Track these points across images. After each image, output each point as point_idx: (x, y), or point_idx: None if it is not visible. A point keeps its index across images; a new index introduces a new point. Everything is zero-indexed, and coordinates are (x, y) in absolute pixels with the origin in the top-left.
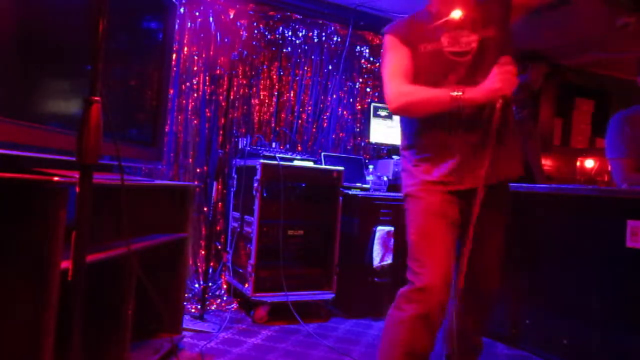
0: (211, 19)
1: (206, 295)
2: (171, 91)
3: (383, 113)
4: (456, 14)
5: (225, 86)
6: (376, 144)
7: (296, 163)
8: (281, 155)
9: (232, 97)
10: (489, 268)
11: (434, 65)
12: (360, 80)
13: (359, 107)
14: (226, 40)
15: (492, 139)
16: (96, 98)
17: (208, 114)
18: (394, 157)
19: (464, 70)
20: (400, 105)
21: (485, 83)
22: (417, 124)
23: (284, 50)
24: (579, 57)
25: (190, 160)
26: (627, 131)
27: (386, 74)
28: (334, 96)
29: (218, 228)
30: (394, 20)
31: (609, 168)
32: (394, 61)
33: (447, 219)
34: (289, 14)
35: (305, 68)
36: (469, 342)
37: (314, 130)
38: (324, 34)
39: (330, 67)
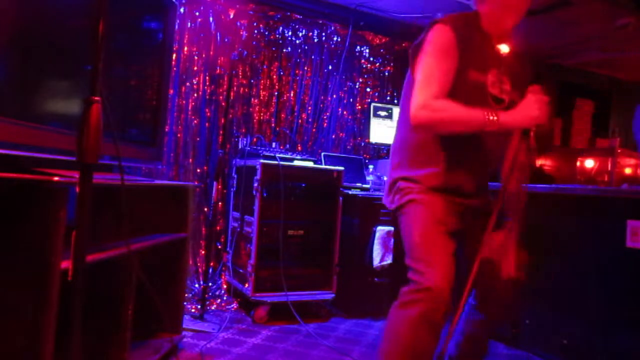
0: (211, 19)
1: (206, 295)
2: (171, 91)
3: (383, 113)
4: (505, 48)
5: (225, 86)
6: (376, 144)
7: (296, 163)
8: (281, 155)
9: (232, 97)
10: (503, 284)
11: (474, 98)
12: (360, 80)
13: (359, 107)
14: (226, 40)
15: (513, 167)
16: (96, 98)
17: (208, 114)
18: None
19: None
20: (427, 120)
21: (521, 109)
22: (426, 138)
23: (284, 50)
24: (579, 57)
25: (190, 160)
26: None
27: (423, 74)
28: (334, 96)
29: (218, 228)
30: (392, 21)
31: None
32: (439, 66)
33: (446, 227)
34: (289, 14)
35: (305, 68)
36: (477, 347)
37: (314, 130)
38: (324, 34)
39: (330, 67)
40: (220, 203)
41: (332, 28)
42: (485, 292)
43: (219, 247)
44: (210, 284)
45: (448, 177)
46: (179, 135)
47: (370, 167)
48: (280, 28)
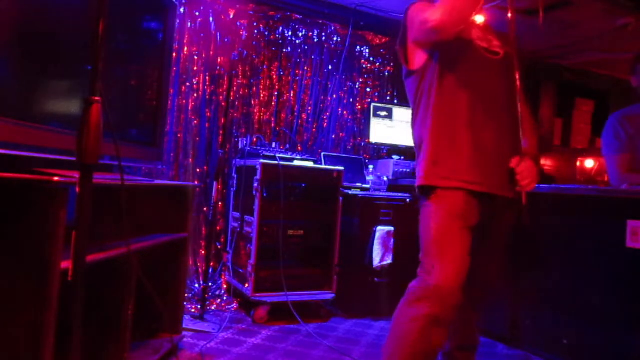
0: (211, 19)
1: (206, 295)
2: (171, 91)
3: (383, 113)
4: (479, 18)
5: (225, 86)
6: (376, 144)
7: (296, 163)
8: (281, 155)
9: (232, 97)
10: (493, 270)
11: (468, 52)
12: (360, 80)
13: (359, 107)
14: (226, 40)
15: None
16: (96, 98)
17: (208, 114)
18: (394, 157)
19: (495, 67)
20: (443, 13)
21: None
22: (443, 121)
23: (284, 50)
24: (579, 57)
25: (190, 160)
26: (624, 129)
27: (417, 16)
28: (334, 96)
29: (218, 228)
30: (392, 21)
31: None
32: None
33: (466, 222)
34: (289, 14)
35: (305, 68)
36: (470, 339)
37: (314, 130)
38: (324, 34)
39: (330, 67)
40: (220, 203)
41: (332, 28)
42: (476, 277)
43: (219, 247)
44: (210, 284)
45: (464, 166)
46: (179, 135)
47: (370, 167)
48: (280, 28)
